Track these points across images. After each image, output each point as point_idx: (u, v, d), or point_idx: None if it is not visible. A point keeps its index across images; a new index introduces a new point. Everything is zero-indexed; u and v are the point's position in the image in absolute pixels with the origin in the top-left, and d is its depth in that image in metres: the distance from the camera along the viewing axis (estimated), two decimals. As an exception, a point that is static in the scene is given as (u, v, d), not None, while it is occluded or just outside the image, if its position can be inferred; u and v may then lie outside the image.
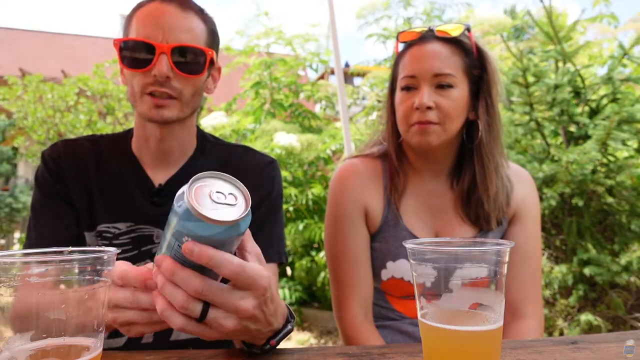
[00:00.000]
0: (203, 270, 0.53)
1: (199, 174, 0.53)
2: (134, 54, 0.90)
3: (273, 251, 0.99)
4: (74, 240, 0.99)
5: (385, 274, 1.09)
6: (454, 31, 1.05)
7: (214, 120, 5.11)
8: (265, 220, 1.00)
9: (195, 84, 0.95)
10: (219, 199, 0.53)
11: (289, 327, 0.66)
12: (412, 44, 1.08)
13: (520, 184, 1.14)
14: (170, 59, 0.89)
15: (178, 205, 0.52)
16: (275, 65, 5.43)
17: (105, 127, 6.06)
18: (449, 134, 1.04)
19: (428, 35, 1.07)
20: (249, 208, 0.53)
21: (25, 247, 0.95)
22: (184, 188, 0.52)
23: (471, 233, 1.11)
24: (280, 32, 5.65)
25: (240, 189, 0.55)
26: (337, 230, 1.11)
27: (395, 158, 1.13)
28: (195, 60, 0.93)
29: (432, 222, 1.13)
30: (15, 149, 8.85)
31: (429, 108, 1.01)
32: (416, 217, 1.12)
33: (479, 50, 1.07)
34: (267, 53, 5.65)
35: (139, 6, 0.94)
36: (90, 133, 6.11)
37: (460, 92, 1.03)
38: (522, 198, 1.13)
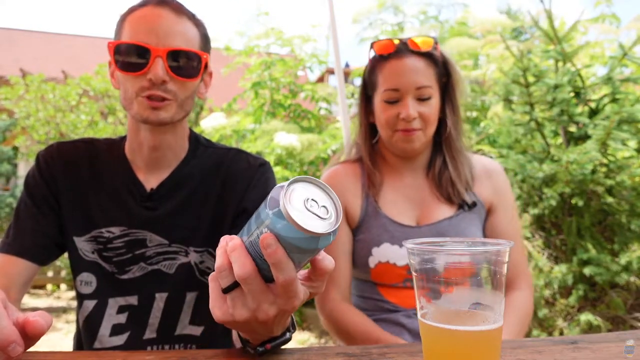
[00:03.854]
0: (261, 262, 0.54)
1: (297, 177, 0.52)
2: (129, 57, 0.90)
3: None
4: (53, 246, 1.00)
5: (372, 261, 1.16)
6: (426, 45, 1.17)
7: (215, 121, 5.12)
8: None
9: (190, 88, 0.95)
10: (311, 207, 0.51)
11: (287, 336, 0.66)
12: (389, 57, 1.18)
13: (493, 177, 1.26)
14: (166, 62, 0.89)
15: (272, 205, 0.50)
16: (275, 66, 5.43)
17: (107, 127, 6.07)
18: (428, 137, 1.19)
19: (403, 49, 1.17)
20: (337, 226, 0.52)
21: (2, 244, 0.97)
22: (281, 189, 0.50)
23: (449, 213, 1.19)
24: (280, 32, 5.65)
25: (335, 203, 0.53)
26: None
27: (369, 160, 1.25)
28: (191, 64, 0.93)
29: (411, 210, 1.22)
30: (15, 149, 8.86)
31: (413, 118, 1.14)
32: (395, 207, 1.21)
33: (444, 59, 1.20)
34: (267, 53, 5.65)
35: (130, 10, 0.94)
36: (91, 133, 6.11)
37: (435, 100, 1.17)
38: (496, 189, 1.25)
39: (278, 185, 0.52)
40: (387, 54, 1.18)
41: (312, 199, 0.52)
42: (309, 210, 0.51)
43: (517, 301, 1.16)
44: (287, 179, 4.37)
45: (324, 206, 0.52)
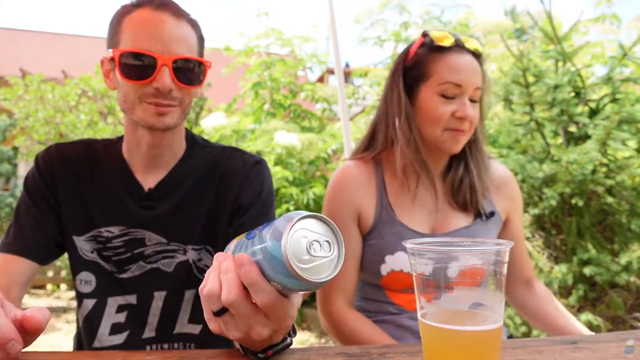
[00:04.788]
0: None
1: (296, 216, 0.50)
2: (134, 64, 0.89)
3: None
4: (53, 245, 1.00)
5: (384, 269, 1.12)
6: (479, 48, 1.13)
7: (215, 121, 5.11)
8: (257, 220, 1.01)
9: (194, 93, 0.97)
10: (315, 251, 0.50)
11: (288, 341, 0.65)
12: (448, 49, 1.11)
13: (509, 186, 1.25)
14: (172, 71, 0.90)
15: (272, 248, 0.49)
16: (275, 66, 5.43)
17: (106, 128, 6.07)
18: (468, 140, 1.15)
19: (461, 44, 1.12)
20: (342, 262, 0.52)
21: (2, 244, 0.97)
22: (282, 232, 0.49)
23: (465, 222, 1.17)
24: (280, 32, 5.65)
25: (335, 234, 0.52)
26: None
27: (414, 151, 1.13)
28: (195, 71, 0.94)
29: (427, 217, 1.17)
30: (15, 149, 8.86)
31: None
32: (410, 213, 1.16)
33: (484, 65, 1.16)
34: (267, 53, 5.65)
35: (127, 11, 0.93)
36: (91, 133, 6.11)
37: (479, 104, 1.14)
38: (512, 198, 1.25)
39: (286, 216, 0.51)
40: (447, 46, 1.11)
41: (316, 241, 0.50)
42: (310, 254, 0.49)
43: (545, 290, 1.26)
44: (287, 179, 4.30)
45: (326, 241, 0.51)
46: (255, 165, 1.06)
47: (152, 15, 0.91)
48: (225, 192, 1.03)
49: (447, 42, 1.11)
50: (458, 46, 1.11)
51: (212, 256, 1.02)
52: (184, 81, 0.92)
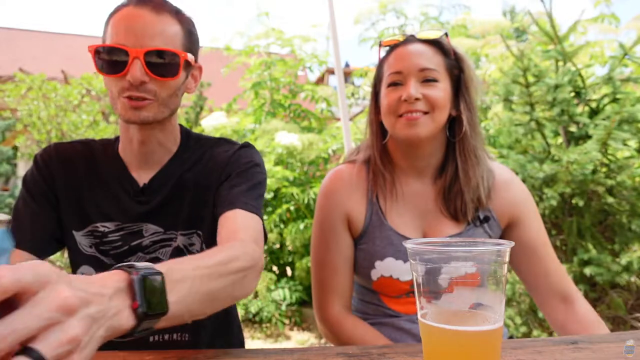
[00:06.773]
0: None
1: None
2: (109, 59, 0.91)
3: (250, 204, 0.95)
4: (51, 240, 1.01)
5: (374, 274, 1.12)
6: (434, 36, 1.13)
7: (215, 121, 5.13)
8: (238, 181, 0.99)
9: (172, 86, 0.96)
10: None
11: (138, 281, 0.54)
12: (396, 46, 1.14)
13: (511, 189, 1.16)
14: (144, 63, 0.90)
15: None
16: (275, 66, 5.44)
17: (108, 128, 6.07)
18: (437, 124, 1.08)
19: (411, 39, 1.14)
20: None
21: None
22: None
23: (457, 229, 1.13)
24: (280, 32, 5.66)
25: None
26: (321, 237, 1.17)
27: (380, 160, 1.17)
28: (170, 63, 0.93)
29: (418, 221, 1.15)
30: (15, 149, 8.87)
31: (416, 99, 1.06)
32: (401, 217, 1.15)
33: (456, 53, 1.15)
34: (267, 53, 5.66)
35: (115, 11, 0.95)
36: (92, 133, 6.10)
37: (443, 86, 1.09)
38: (516, 201, 1.16)
39: None
40: (395, 44, 1.14)
41: None
42: None
43: (590, 312, 1.09)
44: (287, 179, 4.30)
45: None
46: (240, 147, 1.07)
47: (131, 11, 0.92)
48: (210, 172, 1.04)
49: (393, 42, 1.15)
50: (405, 41, 1.13)
51: (202, 240, 1.03)
52: (157, 73, 0.91)
